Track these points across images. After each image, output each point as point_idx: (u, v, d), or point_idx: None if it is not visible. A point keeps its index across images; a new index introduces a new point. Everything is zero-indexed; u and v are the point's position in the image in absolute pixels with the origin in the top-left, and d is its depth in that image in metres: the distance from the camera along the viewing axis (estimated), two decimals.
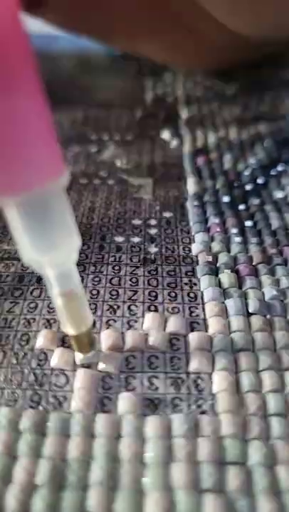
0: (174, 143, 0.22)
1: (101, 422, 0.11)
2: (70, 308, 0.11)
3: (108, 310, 0.13)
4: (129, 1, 0.22)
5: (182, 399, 0.11)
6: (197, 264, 0.15)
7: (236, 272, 0.15)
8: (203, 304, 0.14)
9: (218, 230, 0.16)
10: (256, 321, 0.13)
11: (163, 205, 0.18)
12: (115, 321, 0.13)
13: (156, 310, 0.13)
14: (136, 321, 0.13)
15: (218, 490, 0.09)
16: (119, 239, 0.16)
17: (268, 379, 0.11)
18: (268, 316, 0.13)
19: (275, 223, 0.16)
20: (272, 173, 0.19)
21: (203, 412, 0.11)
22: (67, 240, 0.10)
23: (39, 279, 0.14)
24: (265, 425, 0.11)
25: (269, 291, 0.14)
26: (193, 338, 0.13)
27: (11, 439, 0.10)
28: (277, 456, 0.10)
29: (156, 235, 0.16)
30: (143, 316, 0.13)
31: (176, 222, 0.17)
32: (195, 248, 0.16)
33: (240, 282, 0.14)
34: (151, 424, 0.11)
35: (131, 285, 0.14)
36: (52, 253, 0.10)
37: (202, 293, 0.14)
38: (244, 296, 0.14)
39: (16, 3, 0.08)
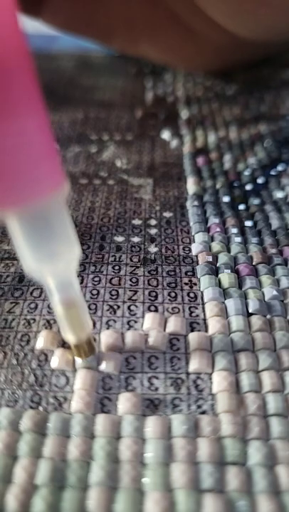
0: (174, 143, 0.22)
1: (101, 422, 0.11)
2: (70, 316, 0.11)
3: (108, 310, 0.13)
4: (128, 2, 0.22)
5: (182, 399, 0.11)
6: (197, 264, 0.15)
7: (236, 271, 0.15)
8: (203, 304, 0.14)
9: (218, 230, 0.16)
10: (256, 321, 0.13)
11: (163, 205, 0.18)
12: (115, 321, 0.13)
13: (156, 310, 0.13)
14: (136, 321, 0.13)
15: (218, 490, 0.10)
16: (119, 239, 0.16)
17: (268, 379, 0.11)
18: (268, 316, 0.13)
19: (275, 223, 0.17)
20: (272, 173, 0.19)
21: (203, 412, 0.11)
22: (68, 250, 0.10)
23: None
24: (265, 425, 0.11)
25: (269, 291, 0.14)
26: (193, 338, 0.13)
27: (11, 439, 0.10)
28: (277, 456, 0.10)
29: (156, 235, 0.16)
30: (143, 316, 0.13)
31: (176, 222, 0.17)
32: (195, 248, 0.16)
33: (240, 282, 0.14)
34: (151, 425, 0.11)
35: (131, 285, 0.14)
36: (52, 263, 0.10)
37: (202, 293, 0.14)
38: (244, 296, 0.14)
39: (16, 20, 0.08)
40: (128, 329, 0.13)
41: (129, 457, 0.10)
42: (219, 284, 0.14)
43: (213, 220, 0.17)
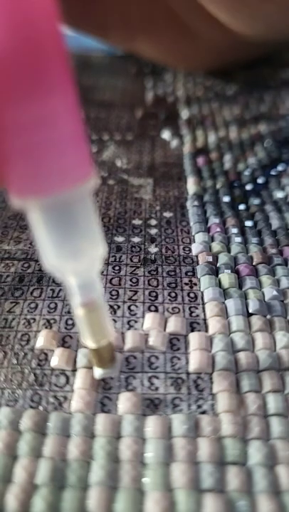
0: (174, 143, 0.22)
1: (101, 421, 0.11)
2: (91, 319, 0.10)
3: (108, 310, 0.13)
4: None
5: (182, 399, 0.11)
6: (197, 264, 0.15)
7: (236, 272, 0.15)
8: (203, 304, 0.14)
9: (218, 230, 0.16)
10: (256, 321, 0.13)
11: (163, 205, 0.18)
12: (115, 321, 0.13)
13: (156, 310, 0.13)
14: (136, 321, 0.13)
15: (218, 490, 0.10)
16: (120, 239, 0.16)
17: (268, 379, 0.11)
18: (268, 316, 0.13)
19: (275, 223, 0.17)
20: (272, 173, 0.19)
21: (203, 412, 0.11)
22: (92, 248, 0.09)
23: (39, 279, 0.14)
24: (265, 425, 0.11)
25: (269, 292, 0.14)
26: (194, 338, 0.13)
27: (11, 438, 0.10)
28: (277, 456, 0.10)
29: (156, 235, 0.16)
30: (143, 316, 0.13)
31: (176, 222, 0.17)
32: (195, 248, 0.16)
33: (240, 282, 0.14)
34: (152, 424, 0.11)
35: (131, 285, 0.14)
36: (75, 260, 0.09)
37: (202, 293, 0.14)
38: (244, 297, 0.14)
39: (52, 4, 0.08)
40: (128, 329, 0.13)
41: (130, 457, 0.10)
42: (219, 284, 0.14)
43: (214, 220, 0.17)
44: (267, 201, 0.18)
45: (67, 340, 0.13)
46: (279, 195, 0.18)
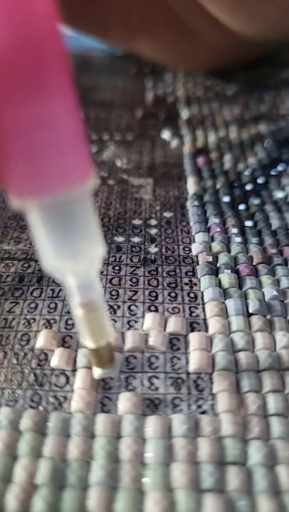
0: (174, 143, 0.22)
1: (101, 421, 0.11)
2: (90, 319, 0.10)
3: (108, 310, 0.13)
4: None
5: (182, 399, 0.11)
6: (197, 264, 0.15)
7: (236, 272, 0.15)
8: (203, 304, 0.14)
9: (218, 230, 0.16)
10: (256, 321, 0.13)
11: (163, 205, 0.18)
12: (115, 321, 0.13)
13: (156, 310, 0.13)
14: (136, 321, 0.13)
15: (218, 490, 0.10)
16: (120, 239, 0.16)
17: (268, 379, 0.11)
18: (268, 316, 0.13)
19: (275, 223, 0.17)
20: (272, 173, 0.19)
21: (203, 412, 0.11)
22: (91, 248, 0.09)
23: (39, 279, 0.14)
24: (265, 425, 0.11)
25: (269, 292, 0.14)
26: (194, 338, 0.13)
27: (11, 438, 0.10)
28: (277, 456, 0.10)
29: (156, 235, 0.16)
30: (143, 316, 0.13)
31: (176, 222, 0.17)
32: (195, 248, 0.16)
33: (240, 282, 0.14)
34: (152, 424, 0.11)
35: (131, 285, 0.14)
36: (74, 261, 0.09)
37: (202, 293, 0.14)
38: (244, 297, 0.14)
39: (52, 5, 0.08)
40: (128, 329, 0.13)
41: (130, 457, 0.10)
42: (219, 284, 0.14)
43: (214, 220, 0.17)
44: (267, 201, 0.18)
45: (67, 340, 0.13)
46: (279, 195, 0.18)
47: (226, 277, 0.14)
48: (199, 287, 0.14)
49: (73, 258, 0.09)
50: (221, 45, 0.23)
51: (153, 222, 0.17)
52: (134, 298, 0.14)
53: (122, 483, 0.10)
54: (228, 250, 0.15)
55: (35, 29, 0.08)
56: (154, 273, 0.15)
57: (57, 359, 0.12)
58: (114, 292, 0.14)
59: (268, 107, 0.24)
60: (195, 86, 0.27)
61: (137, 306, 0.14)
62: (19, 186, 0.08)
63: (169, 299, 0.14)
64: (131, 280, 0.14)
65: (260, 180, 0.19)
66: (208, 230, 0.16)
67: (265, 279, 0.14)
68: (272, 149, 0.21)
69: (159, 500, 0.09)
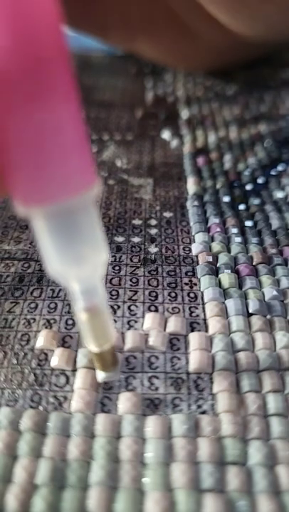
0: (174, 143, 0.22)
1: (101, 421, 0.11)
2: (94, 324, 0.10)
3: (108, 310, 0.13)
4: None
5: (182, 399, 0.11)
6: (197, 264, 0.15)
7: (236, 272, 0.15)
8: (203, 304, 0.14)
9: (218, 230, 0.16)
10: (256, 321, 0.13)
11: (163, 205, 0.18)
12: (115, 321, 0.13)
13: (156, 310, 0.13)
14: (136, 321, 0.13)
15: (218, 490, 0.10)
16: (120, 239, 0.16)
17: (268, 379, 0.11)
18: (268, 316, 0.13)
19: (275, 223, 0.17)
20: (272, 173, 0.19)
21: (203, 412, 0.11)
22: (95, 254, 0.09)
23: (39, 279, 0.14)
24: (265, 425, 0.11)
25: (269, 292, 0.14)
26: (194, 338, 0.13)
27: (11, 438, 0.10)
28: (277, 456, 0.10)
29: (156, 235, 0.16)
30: (143, 316, 0.13)
31: (176, 222, 0.17)
32: (195, 248, 0.16)
33: (240, 282, 0.14)
34: (152, 424, 0.11)
35: (131, 285, 0.14)
36: (78, 267, 0.09)
37: (202, 293, 0.14)
38: (244, 297, 0.14)
39: (55, 7, 0.08)
40: (128, 329, 0.13)
41: (130, 457, 0.10)
42: (219, 284, 0.14)
43: (214, 220, 0.17)
44: (267, 201, 0.18)
45: (67, 340, 0.13)
46: (279, 195, 0.18)
47: (226, 277, 0.14)
48: (199, 287, 0.14)
49: (77, 264, 0.09)
50: (221, 45, 0.23)
51: (153, 222, 0.17)
52: (134, 298, 0.14)
53: (122, 483, 0.10)
54: (228, 250, 0.15)
55: (39, 32, 0.07)
56: (154, 273, 0.15)
57: (57, 359, 0.12)
58: (114, 292, 0.14)
59: (268, 107, 0.24)
60: (195, 86, 0.27)
61: (137, 306, 0.14)
62: (24, 194, 0.09)
63: (169, 299, 0.14)
64: (131, 280, 0.14)
65: (260, 180, 0.19)
66: (208, 230, 0.16)
67: (265, 279, 0.14)
68: (272, 149, 0.21)
69: (159, 500, 0.09)
